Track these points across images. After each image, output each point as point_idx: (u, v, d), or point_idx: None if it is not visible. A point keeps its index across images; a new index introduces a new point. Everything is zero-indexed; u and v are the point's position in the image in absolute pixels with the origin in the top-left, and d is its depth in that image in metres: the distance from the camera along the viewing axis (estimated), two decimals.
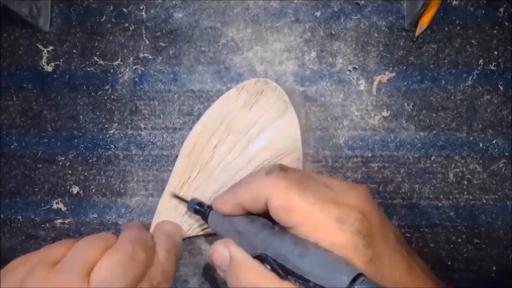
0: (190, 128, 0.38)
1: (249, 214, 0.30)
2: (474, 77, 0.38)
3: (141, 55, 0.39)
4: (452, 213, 0.37)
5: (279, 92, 0.37)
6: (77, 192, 0.38)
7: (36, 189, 0.38)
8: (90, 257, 0.29)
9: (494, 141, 0.37)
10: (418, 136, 0.38)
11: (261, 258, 0.27)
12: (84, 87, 0.39)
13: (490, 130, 0.37)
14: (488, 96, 0.38)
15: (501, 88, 0.38)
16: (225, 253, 0.29)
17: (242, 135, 0.36)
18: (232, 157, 0.36)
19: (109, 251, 0.30)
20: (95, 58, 0.39)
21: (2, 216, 0.38)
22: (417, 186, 0.37)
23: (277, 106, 0.37)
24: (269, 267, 0.27)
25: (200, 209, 0.33)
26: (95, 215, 0.38)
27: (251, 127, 0.36)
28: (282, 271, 0.26)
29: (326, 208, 0.26)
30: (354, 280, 0.23)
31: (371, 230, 0.26)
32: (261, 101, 0.37)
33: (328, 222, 0.26)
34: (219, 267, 0.30)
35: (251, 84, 0.37)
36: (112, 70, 0.39)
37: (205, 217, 0.33)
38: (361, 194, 0.28)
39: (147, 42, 0.39)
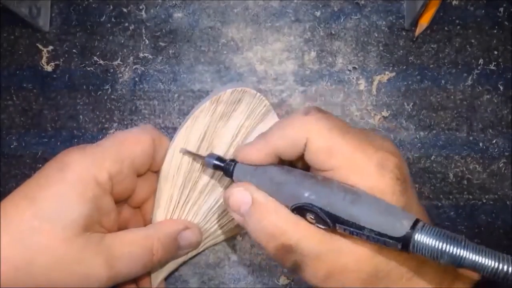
0: None
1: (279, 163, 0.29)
2: (474, 77, 0.38)
3: (141, 55, 0.39)
4: (452, 213, 0.37)
5: (258, 98, 0.34)
6: None
7: None
8: None
9: (494, 141, 0.37)
10: (418, 136, 0.38)
11: (304, 208, 0.26)
12: (84, 87, 0.39)
13: (490, 130, 0.37)
14: (488, 96, 0.38)
15: (501, 87, 0.38)
16: (245, 196, 0.28)
17: (227, 146, 0.34)
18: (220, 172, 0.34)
19: None
20: (95, 58, 0.39)
21: None
22: (417, 185, 0.37)
23: (258, 112, 0.35)
24: (313, 216, 0.26)
25: (220, 164, 0.30)
26: None
27: (234, 137, 0.34)
28: (330, 219, 0.25)
29: (368, 152, 0.26)
30: (414, 225, 0.23)
31: (406, 179, 0.26)
32: (239, 109, 0.34)
33: (369, 166, 0.26)
34: (237, 211, 0.29)
35: (227, 95, 0.34)
36: (112, 70, 0.39)
37: (228, 172, 0.30)
38: (393, 145, 0.28)
39: (147, 42, 0.39)
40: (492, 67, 0.38)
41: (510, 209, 0.37)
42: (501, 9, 0.38)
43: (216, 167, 0.31)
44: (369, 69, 0.38)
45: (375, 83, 0.38)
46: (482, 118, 0.38)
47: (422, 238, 0.22)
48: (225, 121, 0.34)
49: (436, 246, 0.22)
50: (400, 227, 0.23)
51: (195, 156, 0.33)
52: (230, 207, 0.29)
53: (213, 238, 0.36)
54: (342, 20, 0.39)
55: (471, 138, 0.37)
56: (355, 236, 0.25)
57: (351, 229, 0.24)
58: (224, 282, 0.37)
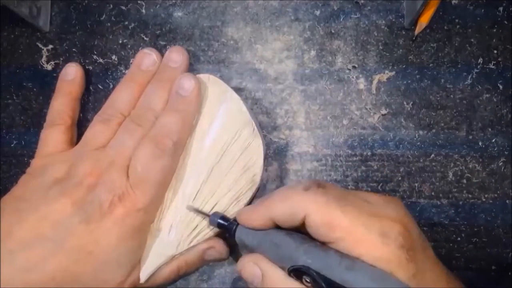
0: None
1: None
2: (474, 76, 0.38)
3: None
4: (451, 212, 0.37)
5: (212, 80, 0.36)
6: None
7: None
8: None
9: (493, 140, 0.37)
10: (417, 135, 0.38)
11: (301, 271, 0.27)
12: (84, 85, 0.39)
13: (490, 129, 0.37)
14: (487, 95, 0.38)
15: (501, 86, 0.38)
16: (256, 270, 0.29)
17: (194, 134, 0.35)
18: (194, 159, 0.35)
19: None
20: (95, 56, 0.39)
21: None
22: (416, 184, 0.37)
23: (216, 93, 0.36)
24: (309, 279, 0.26)
25: (224, 224, 0.32)
26: None
27: (201, 122, 0.35)
28: (325, 283, 0.26)
29: (368, 222, 0.26)
30: None
31: (413, 244, 0.26)
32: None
33: (371, 237, 0.26)
34: (251, 283, 0.30)
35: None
36: (112, 69, 0.39)
37: (231, 232, 0.31)
38: (399, 208, 0.28)
39: (147, 40, 0.39)
40: (491, 66, 0.38)
41: (510, 208, 0.37)
42: (501, 8, 0.38)
43: (220, 226, 0.32)
44: (369, 68, 0.38)
45: (375, 82, 0.38)
46: (481, 117, 0.38)
47: None
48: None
49: None
50: None
51: (201, 213, 0.34)
52: (244, 279, 0.30)
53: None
54: (341, 19, 0.39)
55: (470, 137, 0.38)
56: None
57: None
58: (224, 281, 0.37)
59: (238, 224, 0.31)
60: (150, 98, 0.35)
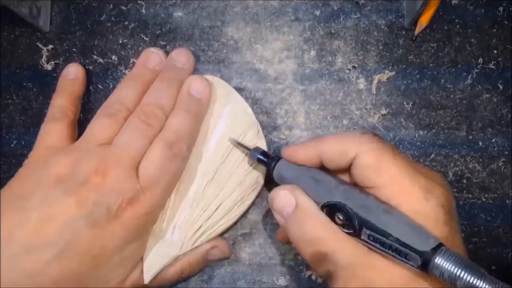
0: None
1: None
2: (474, 76, 0.38)
3: None
4: None
5: (217, 82, 0.36)
6: None
7: None
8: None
9: (493, 140, 0.37)
10: (417, 135, 0.38)
11: (335, 207, 0.27)
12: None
13: (490, 129, 0.37)
14: (487, 95, 0.38)
15: (501, 86, 0.38)
16: (290, 198, 0.29)
17: (199, 135, 0.35)
18: (199, 160, 0.35)
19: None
20: (95, 56, 0.39)
21: None
22: None
23: (220, 94, 0.36)
24: (342, 217, 0.27)
25: (263, 159, 0.32)
26: None
27: (205, 123, 0.35)
28: (358, 222, 0.26)
29: (415, 176, 0.26)
30: (438, 247, 0.24)
31: (451, 209, 0.27)
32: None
33: (415, 189, 0.26)
34: (280, 212, 0.29)
35: None
36: (112, 69, 0.39)
37: (270, 166, 0.32)
38: (444, 178, 0.28)
39: (147, 40, 0.39)
40: (491, 66, 0.38)
41: (510, 208, 0.37)
42: (501, 8, 0.38)
43: (259, 161, 0.33)
44: (369, 68, 0.38)
45: (375, 82, 0.38)
46: (481, 117, 0.38)
47: (443, 260, 0.23)
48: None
49: (455, 272, 0.22)
50: (425, 242, 0.24)
51: (242, 147, 0.34)
52: (274, 208, 0.30)
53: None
54: (341, 19, 0.39)
55: (470, 137, 0.38)
56: (378, 249, 0.25)
57: (377, 235, 0.25)
58: (224, 281, 0.37)
59: (279, 159, 0.32)
60: (159, 95, 0.33)
